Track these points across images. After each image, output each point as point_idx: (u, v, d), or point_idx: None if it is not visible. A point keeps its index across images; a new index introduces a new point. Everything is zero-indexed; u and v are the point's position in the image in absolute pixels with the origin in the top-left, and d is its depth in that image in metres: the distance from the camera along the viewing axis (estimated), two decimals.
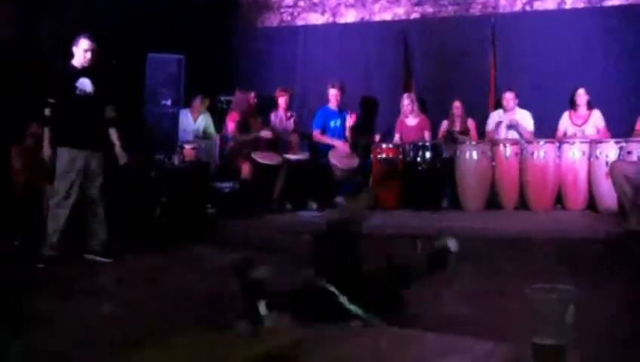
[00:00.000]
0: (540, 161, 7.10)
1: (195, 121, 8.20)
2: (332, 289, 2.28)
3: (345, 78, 8.43)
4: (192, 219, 6.66)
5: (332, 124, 8.06)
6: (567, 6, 8.59)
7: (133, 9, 7.30)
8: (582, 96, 7.38)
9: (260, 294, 2.06)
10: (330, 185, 7.63)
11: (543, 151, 7.12)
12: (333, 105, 8.11)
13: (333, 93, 8.06)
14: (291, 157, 7.60)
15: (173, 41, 7.55)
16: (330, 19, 9.68)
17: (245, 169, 7.26)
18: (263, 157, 7.40)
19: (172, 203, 6.76)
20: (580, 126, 7.44)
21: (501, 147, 7.32)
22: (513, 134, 7.64)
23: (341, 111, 8.13)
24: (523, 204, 7.25)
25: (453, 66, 8.49)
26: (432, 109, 8.46)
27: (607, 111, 7.39)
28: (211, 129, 8.26)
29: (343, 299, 2.24)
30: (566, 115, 7.54)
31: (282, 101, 8.13)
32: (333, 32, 9.53)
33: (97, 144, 5.46)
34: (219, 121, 8.21)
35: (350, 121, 7.95)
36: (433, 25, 9.08)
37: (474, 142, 7.55)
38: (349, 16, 9.58)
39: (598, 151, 6.84)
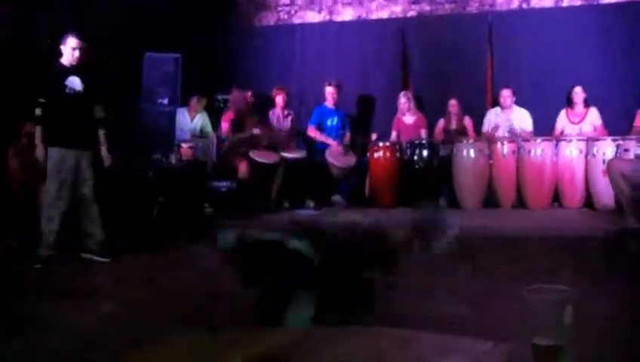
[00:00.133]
0: (537, 159, 7.11)
1: (192, 120, 8.19)
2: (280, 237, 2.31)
3: (342, 77, 8.44)
4: (189, 219, 6.65)
5: (329, 122, 8.07)
6: (564, 3, 8.60)
7: (130, 8, 7.29)
8: (579, 93, 7.39)
9: None
10: (327, 183, 7.64)
11: (540, 149, 7.12)
12: (330, 103, 8.12)
13: (330, 91, 8.07)
14: (288, 155, 7.60)
15: (170, 40, 7.54)
16: (327, 18, 9.68)
17: (242, 168, 7.26)
18: (260, 156, 7.40)
19: (169, 202, 6.75)
20: (577, 124, 7.45)
21: (498, 145, 7.32)
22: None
23: (338, 110, 8.14)
24: (520, 202, 7.26)
25: (450, 64, 8.50)
26: (429, 107, 8.46)
27: (604, 109, 7.40)
28: (208, 128, 8.25)
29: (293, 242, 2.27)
30: (563, 112, 7.56)
31: (279, 99, 8.13)
32: (330, 31, 9.53)
33: (87, 143, 5.45)
34: (216, 120, 8.20)
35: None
36: (430, 23, 9.08)
37: (471, 140, 7.56)
38: (346, 15, 9.58)
39: (595, 149, 6.84)
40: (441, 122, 8.12)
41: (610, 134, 7.06)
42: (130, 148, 6.95)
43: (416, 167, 7.43)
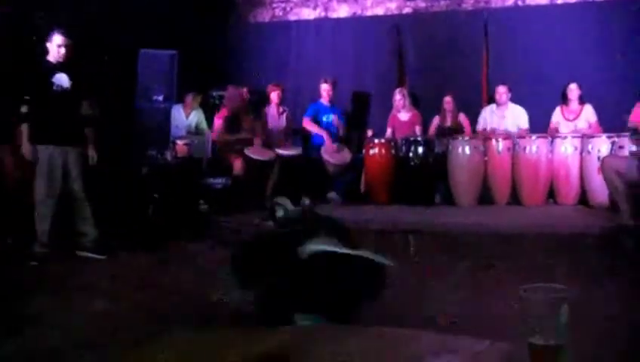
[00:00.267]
0: (533, 156, 7.11)
1: (187, 117, 8.17)
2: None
3: (337, 73, 8.44)
4: (184, 216, 6.65)
5: (324, 118, 8.06)
6: (560, 1, 8.60)
7: (125, 4, 7.26)
8: (574, 90, 7.40)
9: None
10: (323, 180, 7.64)
11: (535, 146, 7.13)
12: (325, 100, 8.11)
13: (325, 88, 8.07)
14: (284, 152, 7.59)
15: (165, 37, 7.53)
16: (323, 14, 9.66)
17: (237, 165, 7.25)
18: (255, 153, 7.39)
19: (165, 199, 6.74)
20: (572, 120, 7.47)
21: (493, 142, 7.32)
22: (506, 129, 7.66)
23: (333, 107, 8.14)
24: (515, 199, 7.26)
25: (445, 61, 8.49)
26: (425, 104, 8.46)
27: (599, 106, 7.42)
28: (203, 125, 8.23)
29: None
30: (558, 109, 7.57)
31: (274, 96, 8.11)
32: (325, 27, 9.52)
33: (75, 140, 5.43)
34: (211, 117, 8.19)
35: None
36: (425, 20, 9.07)
37: (466, 137, 7.56)
38: (342, 11, 9.56)
39: (590, 146, 6.85)
40: (436, 119, 8.12)
41: (605, 131, 7.07)
42: (125, 144, 6.95)
43: (412, 163, 7.42)
